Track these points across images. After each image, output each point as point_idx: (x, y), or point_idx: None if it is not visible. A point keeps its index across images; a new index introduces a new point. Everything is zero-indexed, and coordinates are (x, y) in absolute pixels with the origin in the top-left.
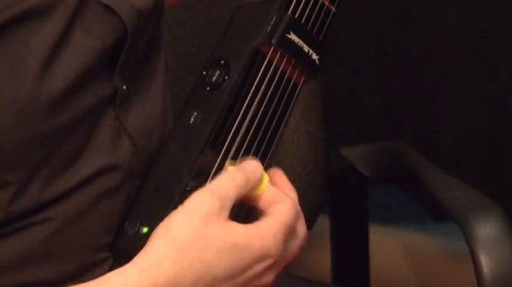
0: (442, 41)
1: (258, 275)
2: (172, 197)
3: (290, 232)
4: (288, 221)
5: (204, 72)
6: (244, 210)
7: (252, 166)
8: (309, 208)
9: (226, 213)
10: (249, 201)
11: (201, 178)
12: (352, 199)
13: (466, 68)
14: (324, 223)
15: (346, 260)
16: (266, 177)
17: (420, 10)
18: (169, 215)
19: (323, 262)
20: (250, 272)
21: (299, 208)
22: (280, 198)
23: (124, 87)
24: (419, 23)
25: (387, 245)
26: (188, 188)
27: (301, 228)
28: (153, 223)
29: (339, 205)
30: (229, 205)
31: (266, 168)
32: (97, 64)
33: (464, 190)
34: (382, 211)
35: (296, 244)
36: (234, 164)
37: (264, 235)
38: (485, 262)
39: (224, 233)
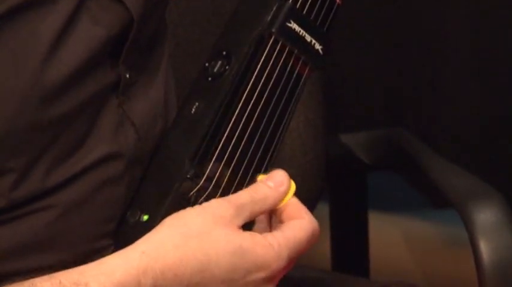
0: (442, 30)
1: (256, 285)
2: (172, 186)
3: (297, 252)
4: (297, 240)
5: (206, 63)
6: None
7: (275, 180)
8: (309, 194)
9: (239, 222)
10: (272, 214)
11: (201, 167)
12: (352, 185)
13: (466, 56)
14: (323, 209)
15: (345, 247)
16: (293, 188)
17: (421, 1)
18: (184, 209)
19: (323, 249)
20: (249, 279)
21: (316, 231)
22: (299, 214)
23: (127, 75)
24: (420, 12)
25: (387, 232)
26: (188, 176)
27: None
28: (153, 211)
29: (338, 191)
30: (244, 216)
31: (272, 157)
32: (101, 52)
33: (463, 176)
34: (382, 198)
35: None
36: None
37: (268, 245)
38: (484, 248)
39: (231, 235)
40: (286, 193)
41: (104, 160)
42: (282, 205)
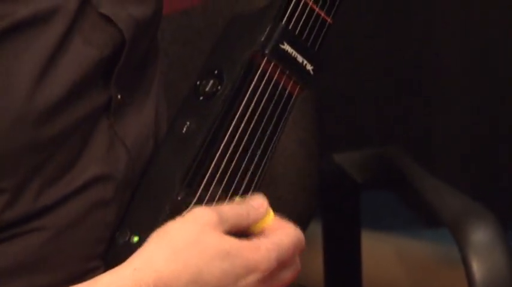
0: (434, 49)
1: None
2: (163, 207)
3: (285, 256)
4: (283, 244)
5: (198, 82)
6: None
7: (257, 202)
8: (302, 213)
9: (223, 229)
10: (254, 234)
11: (192, 188)
12: (345, 204)
13: (457, 75)
14: (316, 228)
15: (338, 266)
16: (271, 214)
17: (414, 20)
18: (167, 223)
19: (316, 268)
20: (241, 283)
21: (301, 238)
22: (282, 225)
23: (119, 96)
24: (412, 32)
25: (380, 251)
26: (179, 198)
27: (298, 260)
28: (144, 232)
29: (331, 210)
30: (226, 225)
31: (261, 176)
32: (93, 73)
33: (456, 196)
34: (375, 216)
35: (290, 272)
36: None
37: (257, 248)
38: (477, 268)
39: (219, 241)
40: (264, 215)
41: (95, 181)
42: (261, 226)
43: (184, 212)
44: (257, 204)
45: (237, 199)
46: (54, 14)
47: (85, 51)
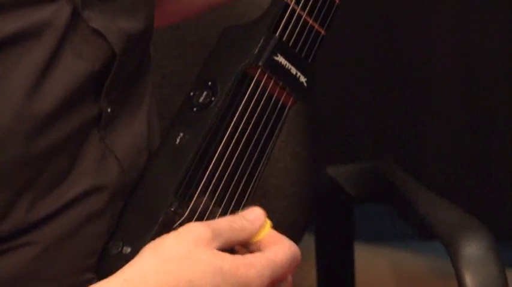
0: (428, 63)
1: None
2: (156, 218)
3: (279, 273)
4: (278, 260)
5: (191, 93)
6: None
7: (253, 215)
8: (295, 226)
9: (217, 245)
10: (250, 247)
11: (185, 199)
12: (338, 217)
13: (450, 87)
14: (309, 241)
15: (332, 279)
16: (268, 224)
17: (408, 33)
18: (160, 237)
19: (309, 281)
20: None
21: (297, 254)
22: (278, 240)
23: (109, 109)
24: (407, 46)
25: (373, 263)
26: (172, 209)
27: (290, 278)
28: (136, 243)
29: (325, 223)
30: (220, 241)
31: (254, 188)
32: (84, 86)
33: (449, 209)
34: (368, 229)
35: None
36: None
37: (250, 264)
38: (469, 281)
39: (211, 257)
40: (261, 228)
41: (87, 193)
42: (258, 238)
43: (177, 224)
44: (253, 217)
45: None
46: (44, 28)
47: (76, 65)
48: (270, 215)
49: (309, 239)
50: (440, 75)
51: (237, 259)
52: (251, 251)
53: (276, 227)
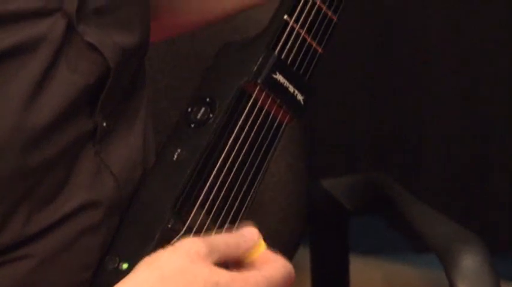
0: (426, 78)
1: None
2: (153, 234)
3: None
4: (273, 278)
5: (189, 109)
6: None
7: (248, 233)
8: (290, 238)
9: (212, 260)
10: (244, 265)
11: (182, 215)
12: (334, 230)
13: (450, 99)
14: (304, 253)
15: None
16: (263, 245)
17: (408, 47)
18: (156, 252)
19: None
20: None
21: (291, 273)
22: (272, 258)
23: (104, 124)
24: (404, 59)
25: (368, 276)
26: (169, 225)
27: None
28: (133, 259)
29: (320, 236)
30: (216, 256)
31: (250, 203)
32: (79, 100)
33: (444, 222)
34: (364, 241)
35: None
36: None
37: (246, 280)
38: None
39: (208, 272)
40: (256, 247)
41: (83, 208)
42: (252, 257)
43: (174, 240)
44: (248, 234)
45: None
46: (40, 42)
47: (71, 79)
48: (265, 228)
49: (304, 252)
50: (438, 85)
51: (233, 275)
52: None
53: (271, 240)
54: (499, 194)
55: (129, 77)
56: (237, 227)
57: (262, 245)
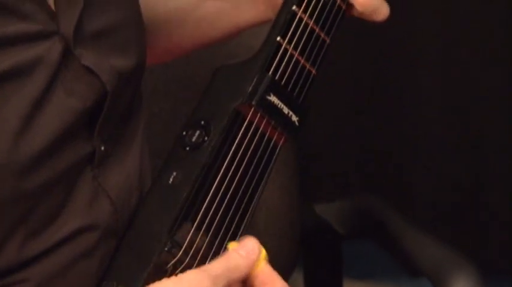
0: (419, 100)
1: None
2: (150, 258)
3: None
4: None
5: (184, 133)
6: None
7: (247, 249)
8: (284, 263)
9: None
10: (245, 279)
11: (179, 239)
12: (327, 255)
13: (441, 122)
14: (298, 278)
15: None
16: (263, 256)
17: (398, 68)
18: (160, 281)
19: None
20: None
21: None
22: (271, 281)
23: (102, 147)
24: (397, 80)
25: None
26: (166, 249)
27: None
28: (130, 284)
29: (313, 260)
30: (220, 285)
31: (246, 224)
32: (76, 124)
33: (436, 246)
34: (356, 266)
35: None
36: (234, 245)
37: None
38: None
39: None
40: (257, 260)
41: (79, 232)
42: (255, 271)
43: (171, 263)
44: (247, 252)
45: (231, 244)
46: (36, 65)
47: (67, 102)
48: None
49: (298, 276)
50: (430, 106)
51: None
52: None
53: None
54: (491, 216)
55: (126, 100)
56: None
57: (263, 256)
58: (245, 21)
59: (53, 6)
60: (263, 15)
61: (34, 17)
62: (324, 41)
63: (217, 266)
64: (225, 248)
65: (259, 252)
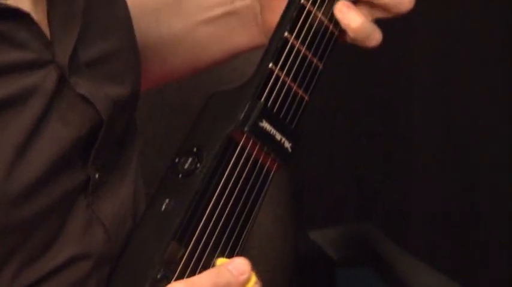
0: (413, 125)
1: None
2: (143, 285)
3: None
4: None
5: (177, 159)
6: None
7: (238, 268)
8: None
9: None
10: None
11: (171, 266)
12: (321, 281)
13: (436, 151)
14: None
15: None
16: (253, 278)
17: (394, 94)
18: None
19: None
20: None
21: None
22: None
23: (97, 175)
24: (390, 106)
25: None
26: (159, 276)
27: None
28: None
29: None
30: None
31: (239, 251)
32: (71, 153)
33: (431, 275)
34: None
35: None
36: (223, 261)
37: None
38: None
39: None
40: (247, 282)
41: (73, 260)
42: None
43: None
44: (238, 271)
45: (220, 260)
46: (31, 94)
47: (62, 131)
48: None
49: None
50: (425, 134)
51: None
52: None
53: None
54: (488, 245)
55: (121, 127)
56: None
57: (253, 279)
58: (238, 46)
59: (48, 35)
60: (257, 40)
61: (29, 46)
62: (316, 67)
63: (205, 279)
64: (213, 264)
65: (250, 275)
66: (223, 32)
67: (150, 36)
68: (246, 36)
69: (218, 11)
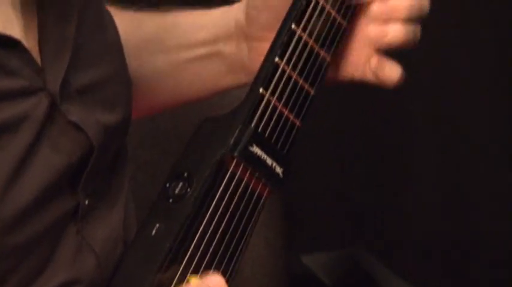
0: (407, 152)
1: None
2: None
3: None
4: None
5: (167, 184)
6: None
7: (214, 282)
8: None
9: None
10: None
11: None
12: None
13: (429, 177)
14: None
15: None
16: None
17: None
18: None
19: None
20: None
21: None
22: None
23: (86, 202)
24: (385, 133)
25: None
26: None
27: None
28: None
29: None
30: None
31: (231, 278)
32: (61, 179)
33: None
34: None
35: None
36: (196, 278)
37: None
38: None
39: None
40: None
41: (64, 286)
42: None
43: None
44: (214, 285)
45: (190, 278)
46: (22, 122)
47: (53, 158)
48: None
49: None
50: (420, 160)
51: None
52: None
53: None
54: (483, 273)
55: (111, 154)
56: None
57: None
58: (224, 86)
59: (39, 61)
60: (243, 81)
61: (20, 73)
62: (308, 92)
63: None
64: (187, 281)
65: None
66: (207, 72)
67: (133, 74)
68: (231, 78)
69: (201, 51)
